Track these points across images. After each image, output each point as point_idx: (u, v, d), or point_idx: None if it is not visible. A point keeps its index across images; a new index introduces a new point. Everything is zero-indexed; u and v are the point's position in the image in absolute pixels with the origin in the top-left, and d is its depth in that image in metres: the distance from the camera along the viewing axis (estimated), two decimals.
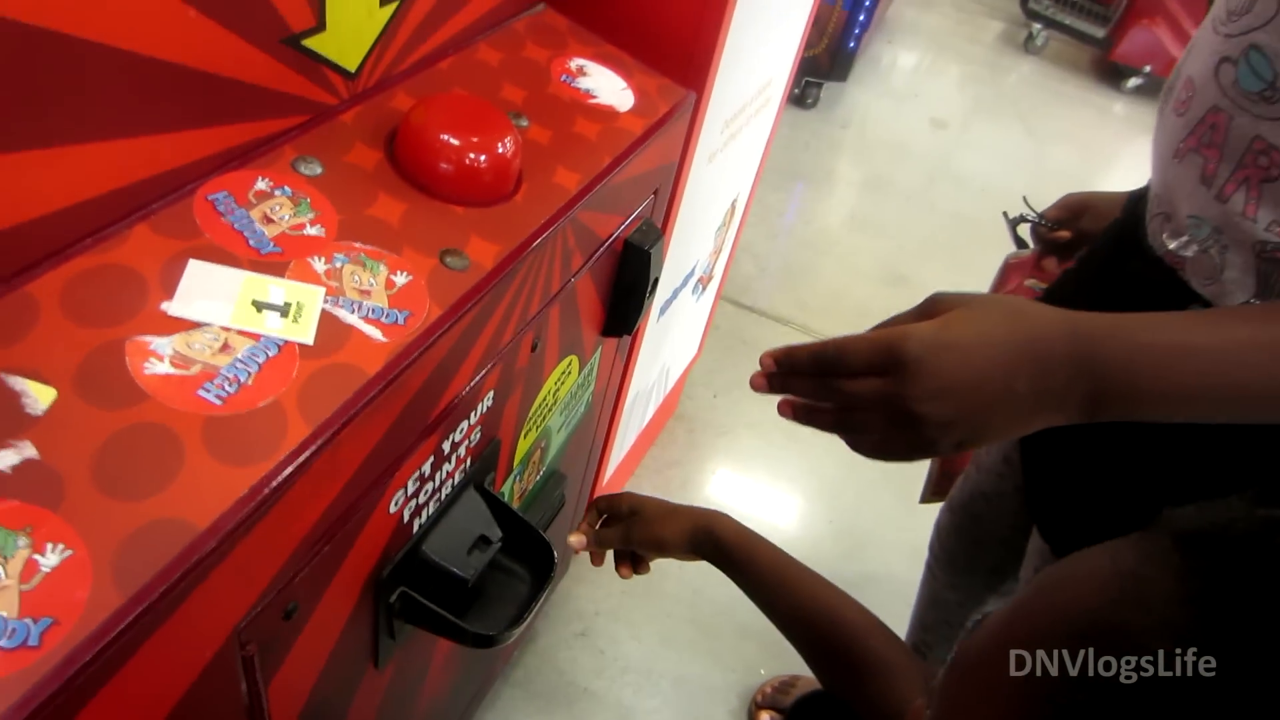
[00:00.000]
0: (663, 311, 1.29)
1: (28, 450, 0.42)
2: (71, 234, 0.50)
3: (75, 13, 0.45)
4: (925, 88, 3.52)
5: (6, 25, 0.42)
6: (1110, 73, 3.89)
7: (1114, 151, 3.57)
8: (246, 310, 0.51)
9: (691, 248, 1.28)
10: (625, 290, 0.87)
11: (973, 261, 2.14)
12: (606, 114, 0.79)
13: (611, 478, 1.47)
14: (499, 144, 0.64)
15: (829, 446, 0.73)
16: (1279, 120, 0.53)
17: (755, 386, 0.57)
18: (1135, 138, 3.67)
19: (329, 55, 0.63)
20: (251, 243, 0.55)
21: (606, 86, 0.82)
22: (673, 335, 1.46)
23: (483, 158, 0.63)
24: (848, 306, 2.22)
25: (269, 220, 0.56)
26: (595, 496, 0.95)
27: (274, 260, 0.54)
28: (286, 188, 0.59)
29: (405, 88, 0.71)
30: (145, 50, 0.49)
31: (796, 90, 3.04)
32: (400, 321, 0.54)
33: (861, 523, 1.70)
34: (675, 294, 1.33)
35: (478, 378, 0.64)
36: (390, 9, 0.67)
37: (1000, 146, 3.23)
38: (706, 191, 1.22)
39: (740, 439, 1.81)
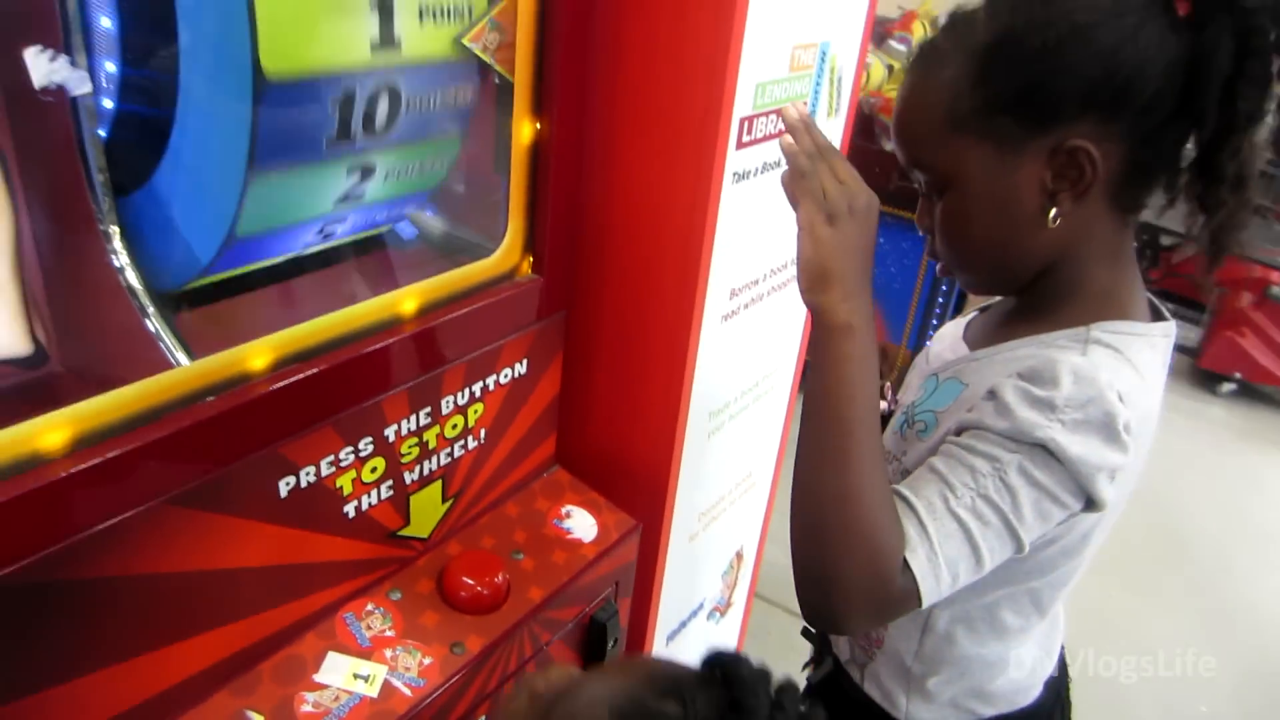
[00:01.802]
0: (670, 639, 1.80)
1: None
2: (281, 642, 1.11)
3: (310, 549, 1.08)
4: None
5: (305, 565, 1.05)
6: (1205, 377, 4.14)
7: (1210, 461, 3.71)
8: (349, 678, 1.10)
9: (690, 595, 1.80)
10: (593, 643, 1.41)
11: None
12: (574, 545, 1.37)
13: None
14: (492, 582, 1.23)
15: None
16: None
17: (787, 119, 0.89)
18: (1230, 443, 3.83)
19: (412, 534, 1.25)
20: (359, 641, 1.14)
21: (581, 524, 1.40)
22: (694, 650, 1.95)
23: (483, 591, 1.22)
24: None
25: (369, 628, 1.16)
26: None
27: (366, 650, 1.13)
28: (381, 608, 1.19)
29: (458, 539, 1.32)
30: (321, 559, 1.12)
31: None
32: (421, 685, 1.11)
33: None
34: (683, 624, 1.83)
35: (471, 711, 1.19)
36: (449, 503, 1.29)
37: None
38: (699, 558, 1.76)
39: None
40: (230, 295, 1.10)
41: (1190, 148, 0.85)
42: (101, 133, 0.91)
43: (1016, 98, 0.84)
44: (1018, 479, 0.80)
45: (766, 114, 1.33)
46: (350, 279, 1.22)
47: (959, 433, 0.87)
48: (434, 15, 1.06)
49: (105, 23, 0.90)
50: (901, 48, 3.56)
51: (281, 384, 0.98)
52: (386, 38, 1.02)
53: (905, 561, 0.81)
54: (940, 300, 3.31)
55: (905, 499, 0.84)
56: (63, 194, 0.92)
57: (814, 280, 0.84)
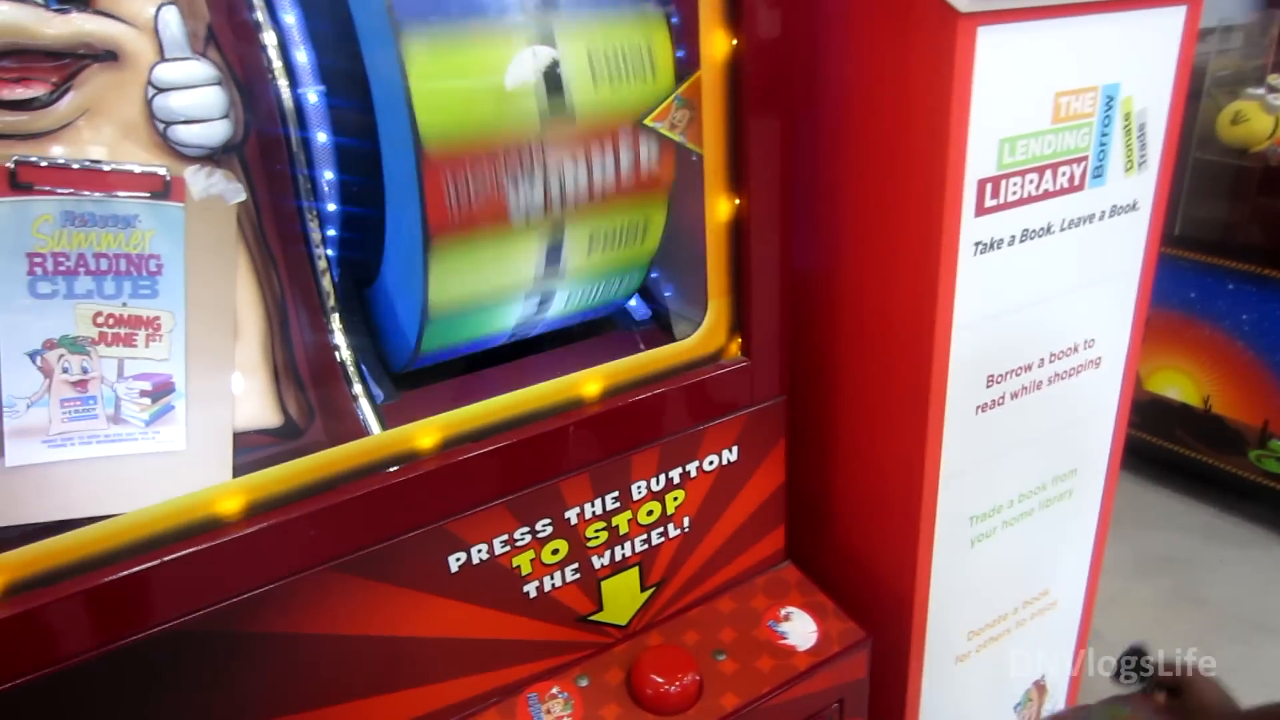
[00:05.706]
0: None
1: None
2: (462, 712, 1.13)
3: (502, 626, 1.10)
4: None
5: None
6: None
7: None
8: None
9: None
10: None
11: None
12: (786, 652, 1.24)
13: None
14: (680, 682, 1.15)
15: None
16: None
17: None
18: None
19: (607, 620, 1.22)
20: None
21: (799, 630, 1.27)
22: None
23: (669, 690, 1.15)
24: None
25: (548, 712, 1.14)
26: None
27: None
28: (565, 693, 1.17)
29: (661, 630, 1.26)
30: (503, 636, 1.13)
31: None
32: None
33: None
34: None
35: None
36: (649, 592, 1.24)
37: None
38: (972, 684, 1.52)
39: None
40: (441, 378, 1.15)
41: None
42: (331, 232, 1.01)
43: None
44: None
45: (1020, 173, 1.15)
46: (555, 362, 1.24)
47: None
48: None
49: (321, 137, 1.02)
50: None
51: (448, 462, 1.01)
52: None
53: None
54: None
55: None
56: (303, 293, 1.02)
57: None
